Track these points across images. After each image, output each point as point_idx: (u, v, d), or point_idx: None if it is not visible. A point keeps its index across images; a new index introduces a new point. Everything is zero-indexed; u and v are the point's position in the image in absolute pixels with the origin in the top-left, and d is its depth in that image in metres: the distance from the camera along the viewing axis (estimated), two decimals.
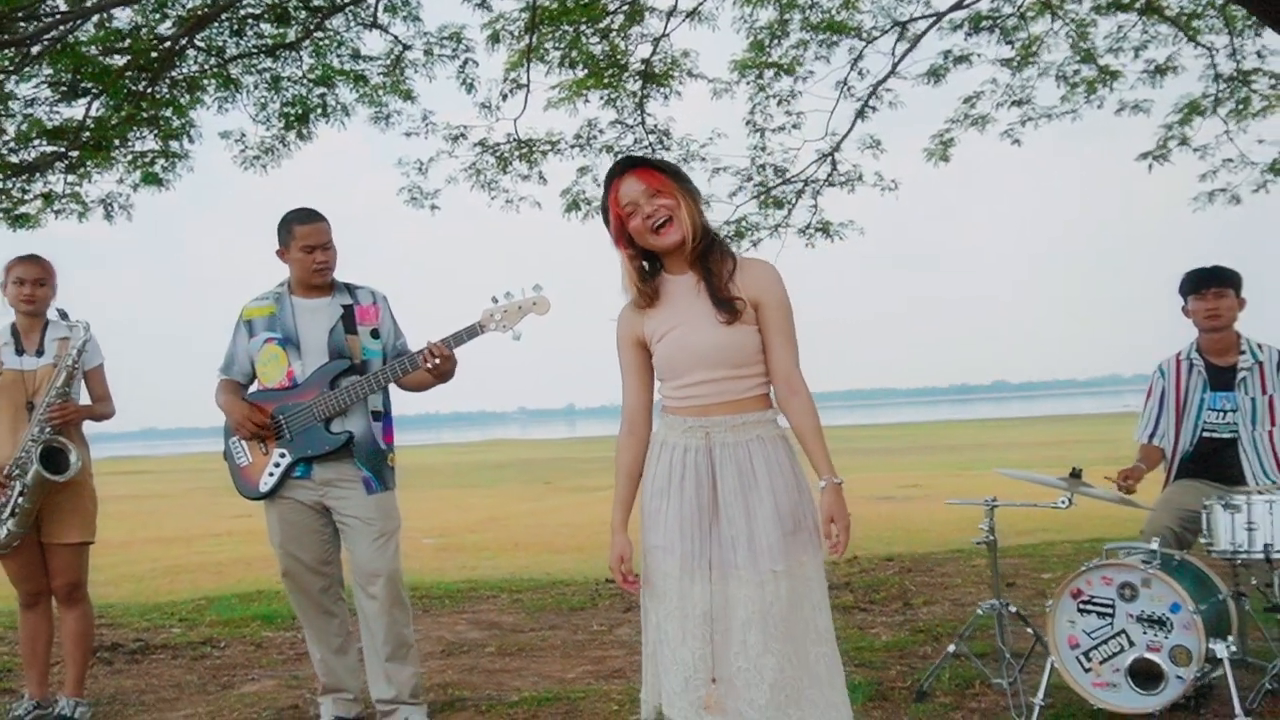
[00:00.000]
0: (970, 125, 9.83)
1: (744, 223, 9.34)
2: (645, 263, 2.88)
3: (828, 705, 2.70)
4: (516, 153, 8.81)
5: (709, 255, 2.81)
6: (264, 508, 4.17)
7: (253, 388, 4.22)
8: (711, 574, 2.71)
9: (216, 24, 7.27)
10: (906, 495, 13.86)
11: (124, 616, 6.66)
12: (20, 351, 4.40)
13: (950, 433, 39.22)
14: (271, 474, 4.06)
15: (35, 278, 4.41)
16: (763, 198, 9.36)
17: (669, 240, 2.77)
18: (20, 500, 4.25)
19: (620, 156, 3.01)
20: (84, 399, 4.53)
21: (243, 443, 4.13)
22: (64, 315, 4.42)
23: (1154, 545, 3.85)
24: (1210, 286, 4.42)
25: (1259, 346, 4.46)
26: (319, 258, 4.08)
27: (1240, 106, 9.49)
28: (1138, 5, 8.72)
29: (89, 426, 4.58)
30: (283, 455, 4.06)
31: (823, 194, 9.38)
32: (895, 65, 8.93)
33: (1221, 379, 4.47)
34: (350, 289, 4.20)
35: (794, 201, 9.34)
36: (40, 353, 4.42)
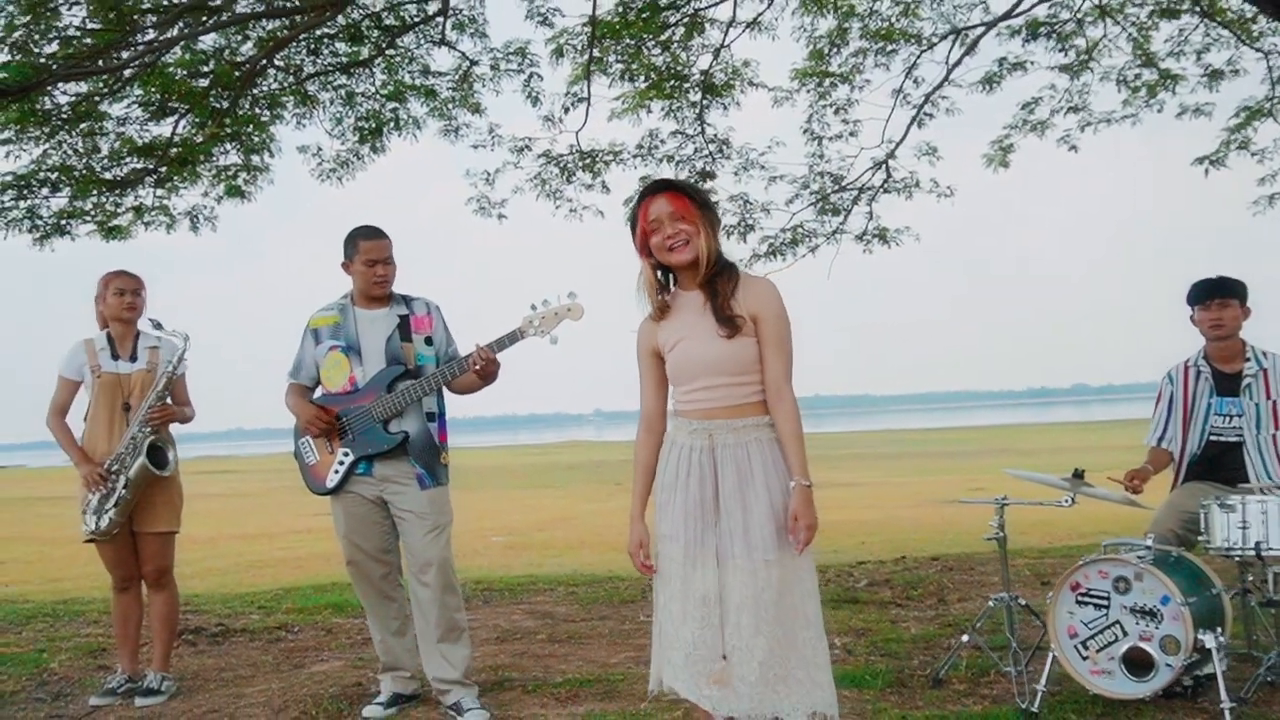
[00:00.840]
0: (1030, 131, 9.88)
1: (800, 229, 9.50)
2: (660, 274, 3.17)
3: (812, 684, 2.97)
4: (580, 163, 9.06)
5: (717, 278, 3.08)
6: (330, 502, 4.52)
7: (318, 392, 4.57)
8: (716, 562, 3.00)
9: (294, 44, 7.64)
10: (970, 498, 13.89)
11: (207, 604, 7.11)
12: (115, 357, 4.86)
13: (1026, 437, 38.77)
14: (337, 471, 4.41)
15: (133, 289, 4.87)
16: (820, 204, 9.52)
17: (681, 259, 3.06)
18: (123, 492, 4.69)
19: (655, 179, 3.33)
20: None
21: (311, 442, 4.48)
22: (158, 325, 4.85)
23: (1148, 541, 4.04)
24: (1215, 297, 4.58)
25: (1264, 354, 4.61)
26: (379, 271, 4.41)
27: None
28: (1199, 7, 8.71)
29: (177, 427, 5.00)
30: (346, 454, 4.39)
31: (878, 200, 9.51)
32: (949, 73, 9.04)
33: (1227, 385, 4.61)
34: (406, 300, 4.53)
35: (850, 208, 9.50)
36: (134, 358, 4.87)
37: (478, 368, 4.29)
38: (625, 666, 5.04)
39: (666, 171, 9.23)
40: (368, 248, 4.41)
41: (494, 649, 5.55)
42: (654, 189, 3.14)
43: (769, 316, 3.06)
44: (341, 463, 4.39)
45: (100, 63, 6.04)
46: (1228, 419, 4.59)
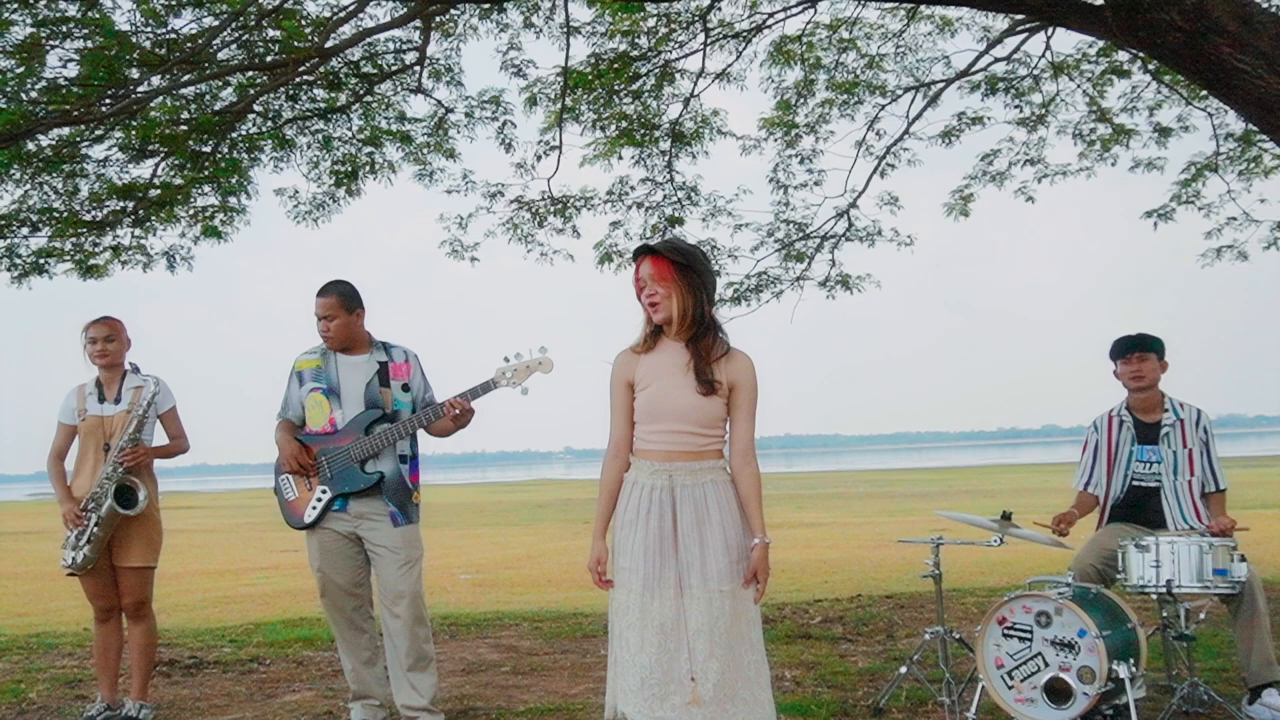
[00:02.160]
0: (989, 181, 10.21)
1: (765, 275, 9.77)
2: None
3: (756, 703, 3.28)
4: (551, 208, 9.29)
5: (701, 340, 3.40)
6: (305, 536, 4.74)
7: (302, 430, 4.78)
8: (676, 592, 3.26)
9: (273, 91, 7.84)
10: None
11: (179, 638, 7.24)
12: (101, 400, 5.08)
13: (994, 477, 39.13)
14: (314, 507, 4.62)
15: (104, 336, 5.08)
16: (784, 251, 9.79)
17: (657, 317, 3.42)
18: (95, 529, 4.89)
19: (644, 243, 3.70)
20: (159, 439, 5.16)
21: (291, 479, 4.70)
22: (136, 369, 5.06)
23: (1068, 579, 4.33)
24: (1135, 351, 4.93)
25: (1180, 405, 4.95)
26: (321, 327, 4.70)
27: (1250, 165, 9.79)
28: (1147, 69, 9.08)
29: (161, 461, 5.20)
30: (324, 491, 4.62)
31: (841, 248, 9.80)
32: (909, 125, 9.39)
33: (1148, 434, 4.94)
34: (387, 347, 4.78)
35: (813, 255, 9.78)
36: (118, 400, 5.08)
37: (453, 415, 4.51)
38: (585, 697, 5.26)
39: (635, 217, 9.51)
40: (316, 304, 4.70)
41: (459, 680, 5.75)
42: (641, 251, 3.48)
43: (745, 387, 3.39)
44: (320, 499, 4.60)
45: (88, 110, 6.22)
46: (1148, 465, 4.91)
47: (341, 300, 4.68)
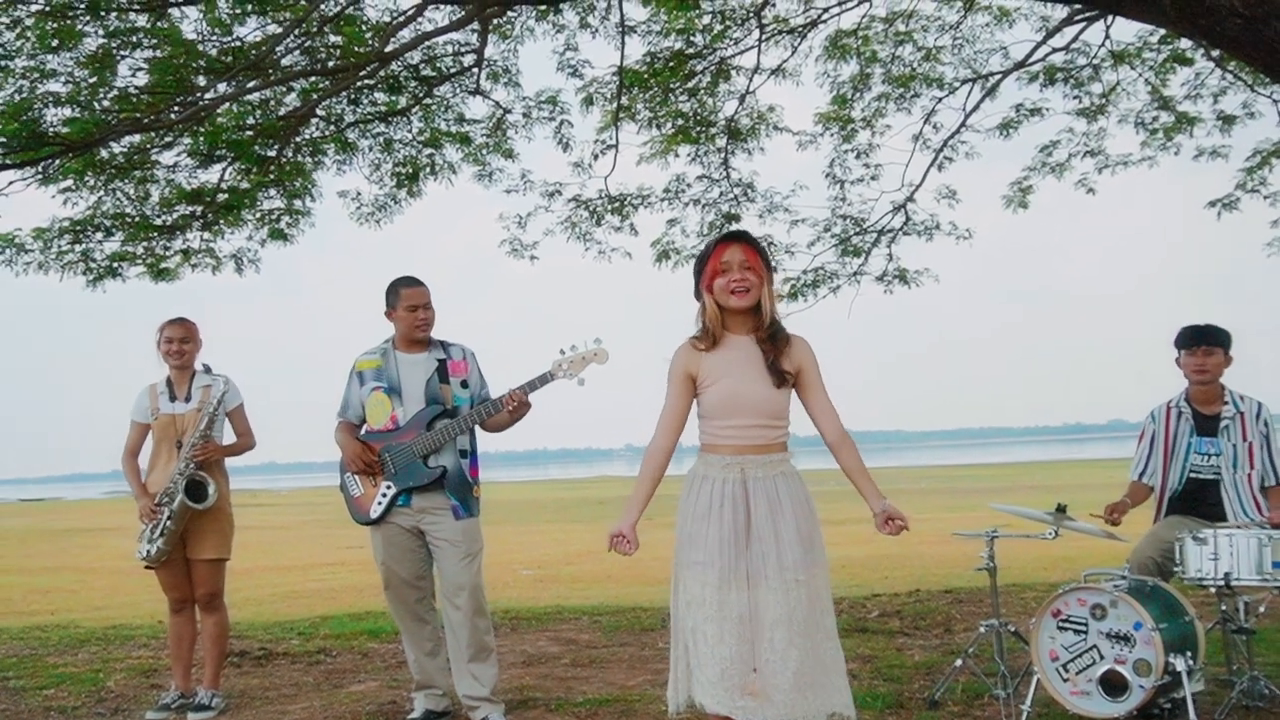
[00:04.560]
0: (1049, 173, 10.10)
1: (822, 270, 9.76)
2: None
3: (834, 689, 3.33)
4: (609, 207, 9.36)
5: (776, 337, 3.46)
6: (369, 531, 4.85)
7: (363, 429, 4.91)
8: (747, 584, 3.31)
9: (335, 95, 8.00)
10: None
11: (249, 630, 7.44)
12: (173, 399, 5.26)
13: (1058, 473, 38.58)
14: (380, 503, 4.74)
15: (180, 337, 5.28)
16: (841, 246, 9.77)
17: (741, 303, 3.44)
18: (168, 523, 5.08)
19: (734, 229, 3.75)
20: (229, 436, 5.34)
21: (355, 477, 4.81)
22: (208, 369, 5.23)
23: (1124, 571, 4.29)
24: (1201, 344, 4.84)
25: (1241, 398, 4.87)
26: (421, 315, 4.78)
27: None
28: (1211, 57, 8.93)
29: (231, 459, 5.38)
30: (389, 487, 4.73)
31: (898, 242, 9.76)
32: (966, 117, 9.32)
33: (1207, 426, 4.88)
34: (444, 345, 4.89)
35: (870, 250, 9.75)
36: (189, 399, 5.27)
37: (511, 408, 4.61)
38: (643, 688, 5.33)
39: (692, 215, 9.55)
40: (409, 295, 4.77)
41: (520, 671, 5.86)
42: (731, 236, 3.51)
43: (811, 367, 3.47)
44: (385, 495, 4.72)
45: (158, 118, 6.40)
46: (1206, 458, 4.85)
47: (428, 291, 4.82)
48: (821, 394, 3.48)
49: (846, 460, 3.47)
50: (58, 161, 6.51)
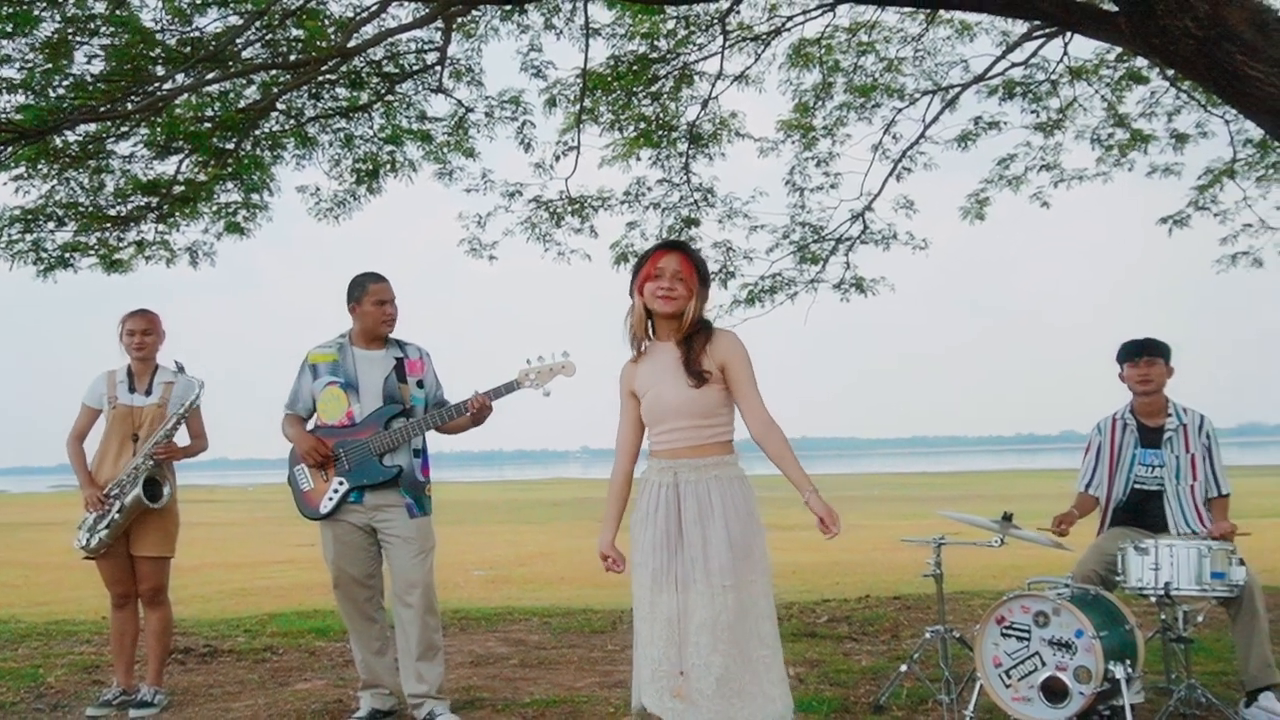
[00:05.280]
0: (1005, 185, 10.22)
1: (779, 277, 9.81)
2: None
3: (765, 699, 3.31)
4: (569, 208, 9.36)
5: (693, 337, 3.49)
6: (319, 527, 4.82)
7: (312, 423, 4.87)
8: (677, 587, 3.34)
9: (296, 89, 7.93)
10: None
11: (195, 627, 7.35)
12: (132, 390, 5.19)
13: (1010, 482, 39.01)
14: (331, 498, 4.71)
15: (143, 329, 5.22)
16: (799, 254, 9.83)
17: (665, 310, 3.48)
18: (116, 516, 5.01)
19: (674, 239, 3.78)
20: (182, 436, 5.28)
21: (306, 470, 4.77)
22: (181, 368, 5.20)
23: (1067, 580, 4.38)
24: (1143, 355, 4.95)
25: (1184, 410, 4.98)
26: (388, 310, 4.79)
27: (1269, 171, 9.77)
28: (1165, 76, 9.08)
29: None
30: (341, 483, 4.70)
31: (855, 250, 9.84)
32: (925, 130, 9.42)
33: (1151, 438, 4.98)
34: (401, 344, 4.88)
35: (828, 258, 9.82)
36: (149, 392, 5.20)
37: (473, 412, 4.64)
38: (590, 690, 5.34)
39: (652, 218, 9.57)
40: (377, 289, 4.76)
41: (468, 672, 5.85)
42: (669, 245, 3.58)
43: (735, 362, 3.46)
44: (336, 490, 4.69)
45: (114, 107, 6.32)
46: (1150, 469, 4.95)
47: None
48: (748, 388, 3.46)
49: (772, 449, 3.44)
50: (10, 149, 6.41)
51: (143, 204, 7.94)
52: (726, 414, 3.48)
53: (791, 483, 3.43)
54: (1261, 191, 9.66)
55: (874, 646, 6.35)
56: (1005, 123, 9.40)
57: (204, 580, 11.41)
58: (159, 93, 6.38)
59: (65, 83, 6.29)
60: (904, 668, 4.84)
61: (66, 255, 7.92)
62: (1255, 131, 9.27)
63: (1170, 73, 8.90)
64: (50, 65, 6.15)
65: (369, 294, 4.77)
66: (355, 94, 8.24)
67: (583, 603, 8.83)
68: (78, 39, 6.27)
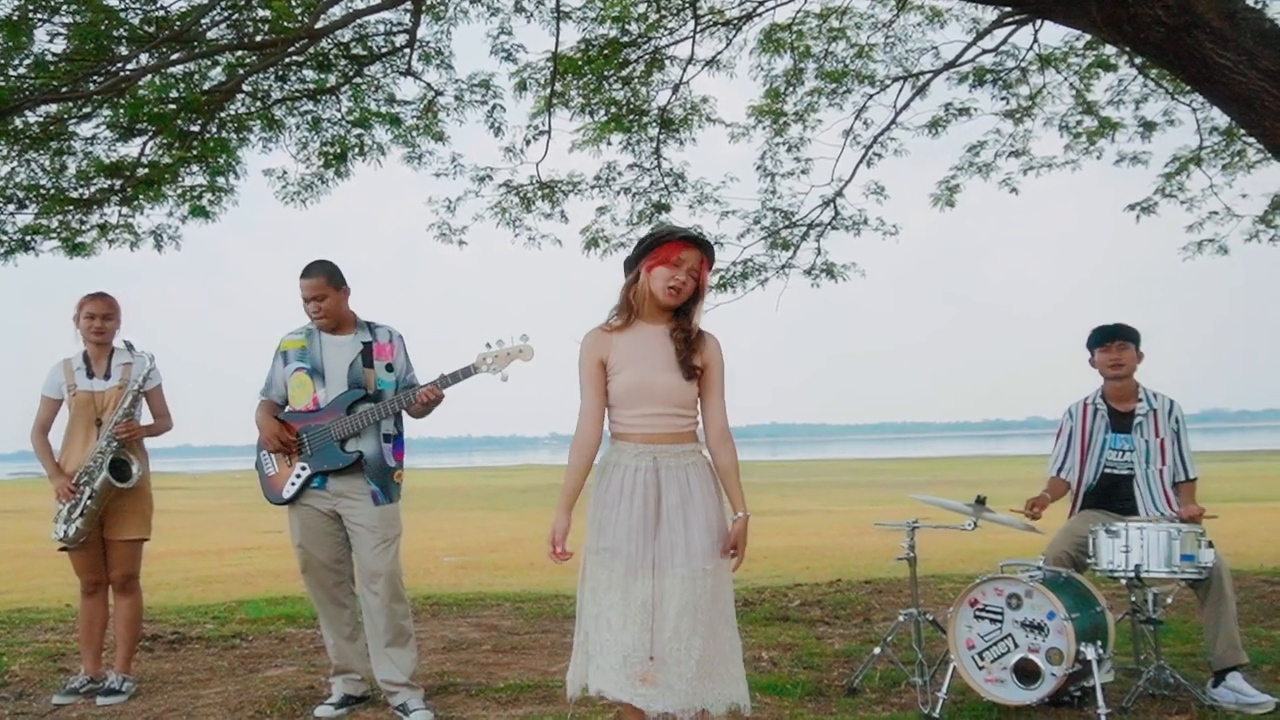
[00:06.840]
0: (975, 172, 10.26)
1: (750, 263, 9.81)
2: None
3: (731, 679, 3.38)
4: (539, 193, 9.31)
5: (690, 333, 3.49)
6: (287, 512, 4.79)
7: (285, 410, 4.81)
8: (652, 572, 3.32)
9: (262, 71, 7.83)
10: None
11: (163, 615, 7.29)
12: (91, 375, 5.10)
13: (977, 468, 39.34)
14: (293, 484, 4.69)
15: (103, 313, 5.13)
16: (770, 239, 9.84)
17: (672, 302, 3.47)
18: (88, 503, 4.94)
19: (698, 233, 3.70)
20: (146, 416, 5.20)
21: (272, 456, 4.74)
22: (130, 346, 5.10)
23: (1039, 562, 4.42)
24: (1114, 340, 4.99)
25: (1154, 395, 5.03)
26: (311, 308, 4.73)
27: (1234, 159, 9.87)
28: (1134, 63, 9.13)
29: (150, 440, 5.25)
30: (303, 468, 4.68)
31: (827, 236, 9.85)
32: (895, 116, 9.43)
33: (1121, 422, 5.03)
34: (371, 327, 4.81)
35: (799, 244, 9.83)
36: (108, 376, 5.12)
37: (424, 401, 4.57)
38: (563, 674, 5.21)
39: (623, 203, 9.54)
40: (302, 286, 4.72)
41: (440, 657, 5.83)
42: (696, 241, 3.52)
43: (716, 367, 3.51)
44: (299, 476, 4.66)
45: (76, 87, 6.22)
46: (1120, 453, 5.00)
47: (329, 279, 4.72)
48: (718, 394, 3.52)
49: (724, 460, 3.50)
50: None
51: (106, 186, 7.82)
52: (696, 408, 3.54)
53: (729, 497, 3.49)
54: (1227, 179, 9.75)
55: (846, 630, 6.39)
56: (976, 109, 9.43)
57: (171, 568, 11.30)
58: (122, 73, 6.28)
59: (26, 62, 6.18)
60: (877, 650, 4.88)
61: (27, 238, 7.79)
62: (1221, 120, 9.35)
63: (1138, 61, 8.95)
64: (10, 43, 6.03)
65: (301, 290, 4.75)
66: (323, 76, 8.14)
67: (553, 588, 8.82)
68: (39, 16, 6.15)
